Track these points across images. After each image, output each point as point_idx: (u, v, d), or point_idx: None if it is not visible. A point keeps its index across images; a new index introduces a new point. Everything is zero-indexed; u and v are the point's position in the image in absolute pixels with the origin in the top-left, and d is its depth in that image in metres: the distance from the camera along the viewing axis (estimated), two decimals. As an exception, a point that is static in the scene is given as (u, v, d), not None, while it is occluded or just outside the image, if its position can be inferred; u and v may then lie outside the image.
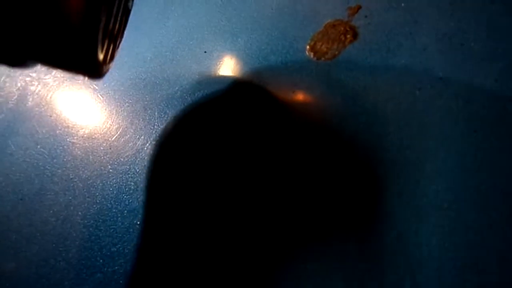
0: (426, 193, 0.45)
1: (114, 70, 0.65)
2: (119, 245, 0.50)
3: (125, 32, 0.73)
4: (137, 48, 0.67)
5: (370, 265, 0.45)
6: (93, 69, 0.28)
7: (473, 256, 0.42)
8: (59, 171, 0.58)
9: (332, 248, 0.47)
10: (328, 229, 0.48)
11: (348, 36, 0.56)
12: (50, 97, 0.65)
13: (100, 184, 0.54)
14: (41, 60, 0.27)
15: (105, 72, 0.31)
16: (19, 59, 0.26)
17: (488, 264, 0.41)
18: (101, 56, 0.28)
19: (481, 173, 0.45)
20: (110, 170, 0.55)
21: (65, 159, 0.58)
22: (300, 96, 0.55)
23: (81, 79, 0.67)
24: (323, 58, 0.56)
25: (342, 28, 0.57)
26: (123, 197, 0.53)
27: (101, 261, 0.49)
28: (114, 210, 0.52)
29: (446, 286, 0.42)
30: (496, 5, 0.53)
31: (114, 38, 0.32)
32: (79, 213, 0.54)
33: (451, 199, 0.45)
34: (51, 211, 0.54)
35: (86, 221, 0.52)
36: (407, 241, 0.44)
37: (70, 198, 0.55)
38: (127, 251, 0.50)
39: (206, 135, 0.56)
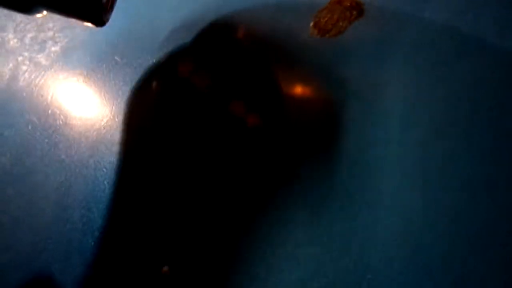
0: (429, 179, 0.43)
1: (108, 47, 0.63)
2: (112, 227, 0.47)
3: (119, 10, 0.70)
4: (132, 26, 0.64)
5: (376, 253, 0.42)
6: (97, 13, 0.29)
7: (482, 244, 0.40)
8: (50, 152, 0.55)
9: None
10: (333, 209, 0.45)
11: (354, 12, 0.53)
12: (42, 77, 0.63)
13: (93, 165, 0.52)
14: (47, 4, 0.27)
15: (106, 20, 0.31)
16: (27, 4, 0.27)
17: (495, 250, 0.39)
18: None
19: (487, 158, 0.42)
20: (104, 151, 0.52)
21: (56, 140, 0.55)
22: (302, 74, 0.52)
23: (74, 57, 0.64)
24: (327, 35, 0.53)
25: (348, 4, 0.54)
26: (117, 177, 0.50)
27: (92, 243, 0.47)
28: (107, 191, 0.50)
29: None
30: (509, -19, 0.50)
31: None
32: (71, 195, 0.51)
33: (458, 185, 0.42)
34: (41, 194, 0.52)
35: (77, 203, 0.50)
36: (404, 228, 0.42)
37: (62, 180, 0.52)
38: (121, 233, 0.47)
39: (199, 113, 0.53)
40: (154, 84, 0.58)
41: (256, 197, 0.47)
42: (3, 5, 0.27)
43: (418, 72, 0.48)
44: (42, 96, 0.61)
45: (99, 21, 0.30)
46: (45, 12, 0.35)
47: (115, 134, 0.54)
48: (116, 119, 0.55)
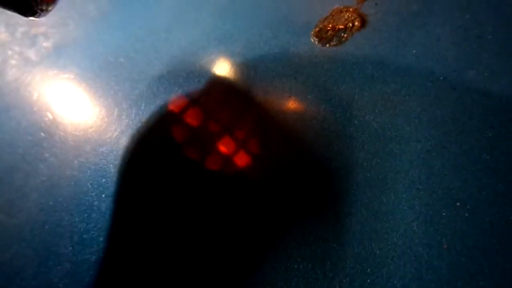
0: (436, 190, 0.42)
1: (101, 47, 0.62)
2: (92, 232, 0.45)
3: (117, 10, 0.69)
4: (130, 26, 0.63)
5: (375, 270, 0.40)
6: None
7: (489, 262, 0.38)
8: (33, 150, 0.53)
9: (330, 250, 0.43)
10: (326, 225, 0.43)
11: (356, 23, 0.53)
12: (31, 73, 0.61)
13: (77, 165, 0.50)
14: None
15: (40, 11, 0.29)
16: None
17: (505, 271, 0.37)
18: None
19: (498, 171, 0.41)
20: (89, 151, 0.50)
21: (41, 137, 0.54)
22: (302, 84, 0.51)
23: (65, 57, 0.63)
24: (328, 45, 0.53)
25: (350, 15, 0.54)
26: (101, 180, 0.49)
27: (70, 248, 0.45)
28: (90, 194, 0.48)
29: (457, 293, 0.38)
30: (515, -1, 0.50)
31: None
32: (51, 195, 0.49)
33: (465, 198, 0.41)
34: (20, 192, 0.50)
35: (58, 205, 0.48)
36: (415, 242, 0.40)
37: (43, 179, 0.50)
38: (101, 239, 0.45)
39: (197, 120, 0.52)
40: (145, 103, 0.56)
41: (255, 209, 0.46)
42: None
43: (424, 85, 0.47)
44: (29, 92, 0.59)
45: (27, 9, 0.28)
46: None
47: (103, 136, 0.52)
48: (105, 120, 0.54)
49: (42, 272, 0.44)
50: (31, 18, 0.30)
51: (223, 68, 0.55)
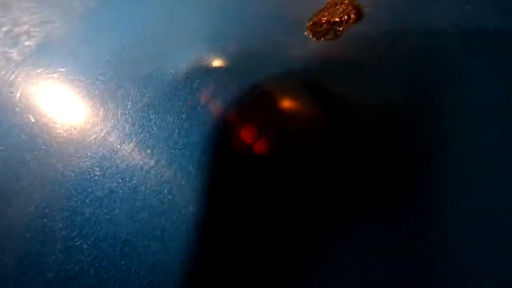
0: (438, 192, 0.40)
1: (87, 45, 0.59)
2: (77, 239, 0.43)
3: (104, 6, 0.67)
4: (116, 23, 0.61)
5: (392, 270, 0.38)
6: None
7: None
8: (14, 153, 0.50)
9: (344, 253, 0.41)
10: (341, 227, 0.41)
11: (352, 16, 0.51)
12: (13, 73, 0.59)
13: (60, 168, 0.47)
14: None
15: None
16: None
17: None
18: None
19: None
20: (72, 153, 0.48)
21: (22, 140, 0.51)
22: (298, 79, 0.49)
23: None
24: (323, 39, 0.51)
25: (346, 7, 0.52)
26: (86, 184, 0.46)
27: (53, 257, 0.42)
28: (74, 199, 0.45)
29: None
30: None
31: None
32: (33, 201, 0.46)
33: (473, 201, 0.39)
34: None
35: (40, 211, 0.45)
36: (435, 248, 0.38)
37: (24, 184, 0.47)
38: (86, 246, 0.43)
39: (185, 119, 0.49)
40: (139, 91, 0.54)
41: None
42: None
43: (423, 82, 0.45)
44: (11, 93, 0.57)
45: None
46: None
47: (88, 137, 0.50)
48: (90, 121, 0.51)
49: (23, 282, 0.42)
50: None
51: (212, 66, 0.53)
